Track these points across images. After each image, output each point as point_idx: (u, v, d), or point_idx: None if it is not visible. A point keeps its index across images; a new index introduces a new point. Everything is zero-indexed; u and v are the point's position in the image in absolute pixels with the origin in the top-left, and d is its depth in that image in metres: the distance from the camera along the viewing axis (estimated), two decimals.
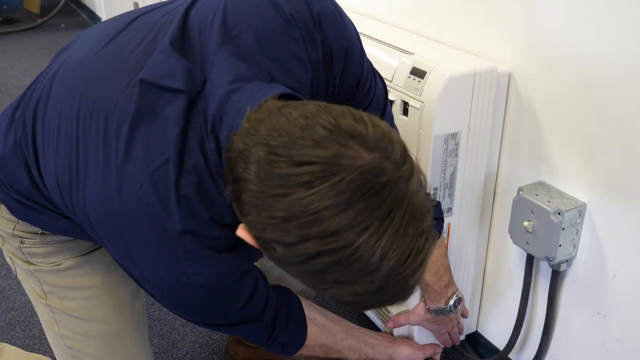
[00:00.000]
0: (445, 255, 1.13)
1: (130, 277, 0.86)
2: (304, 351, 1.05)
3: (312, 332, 1.04)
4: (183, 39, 0.78)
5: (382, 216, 0.58)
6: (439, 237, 1.07)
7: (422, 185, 0.62)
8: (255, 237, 0.65)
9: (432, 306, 1.17)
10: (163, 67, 0.76)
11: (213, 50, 0.76)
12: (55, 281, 1.02)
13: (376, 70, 0.94)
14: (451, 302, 1.16)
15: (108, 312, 1.05)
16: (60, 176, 0.81)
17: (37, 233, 0.98)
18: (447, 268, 1.14)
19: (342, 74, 0.84)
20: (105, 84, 0.80)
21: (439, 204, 1.08)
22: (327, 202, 0.58)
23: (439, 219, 1.07)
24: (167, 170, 0.73)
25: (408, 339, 1.26)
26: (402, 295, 0.64)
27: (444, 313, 1.17)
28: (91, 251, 1.02)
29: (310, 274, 0.63)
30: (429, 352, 1.25)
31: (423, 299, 1.19)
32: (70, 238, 0.99)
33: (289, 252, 0.62)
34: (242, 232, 0.68)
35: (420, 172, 0.63)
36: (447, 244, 1.18)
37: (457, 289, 1.17)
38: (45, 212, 0.92)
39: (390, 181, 0.59)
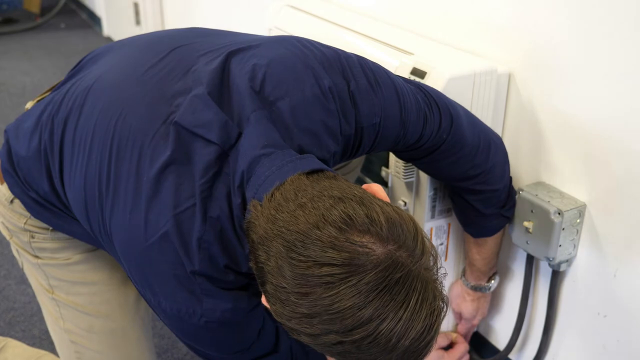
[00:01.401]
0: (499, 244, 1.16)
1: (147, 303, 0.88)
2: None
3: None
4: (222, 90, 0.80)
5: (397, 306, 0.63)
6: (501, 231, 1.12)
7: (434, 260, 0.67)
8: (279, 321, 0.70)
9: (473, 282, 1.22)
10: (199, 117, 0.78)
11: (250, 110, 0.78)
12: (63, 276, 1.03)
13: (429, 101, 0.91)
14: (492, 282, 1.22)
15: (114, 308, 1.06)
16: (89, 195, 0.83)
17: (48, 229, 1.00)
18: (496, 255, 1.19)
19: (373, 145, 0.86)
20: (142, 116, 0.82)
21: (508, 202, 1.08)
22: (347, 302, 0.63)
23: (506, 217, 1.10)
24: (193, 214, 0.76)
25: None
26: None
27: (482, 290, 1.22)
28: (96, 248, 1.03)
29: (332, 354, 0.68)
30: (458, 354, 1.26)
31: (463, 277, 1.23)
32: None
33: (312, 339, 0.67)
34: (267, 304, 0.72)
35: (431, 247, 0.68)
36: (447, 244, 1.18)
37: (497, 270, 1.23)
38: (61, 215, 0.94)
39: (403, 273, 0.64)
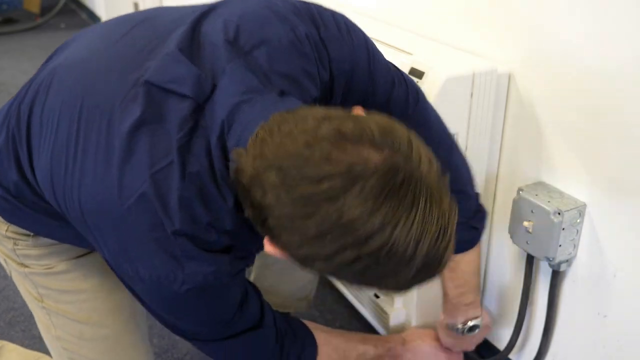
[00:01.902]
0: (475, 272, 1.09)
1: (123, 283, 0.85)
2: None
3: (320, 337, 1.03)
4: (192, 46, 0.78)
5: (407, 209, 0.61)
6: (475, 254, 1.06)
7: (432, 163, 0.65)
8: (290, 255, 0.67)
9: (447, 320, 1.14)
10: (171, 71, 0.76)
11: (224, 61, 0.76)
12: (51, 284, 1.01)
13: (399, 75, 0.92)
14: (467, 325, 1.12)
15: (105, 315, 1.03)
16: (55, 170, 0.80)
17: (29, 235, 0.97)
18: (473, 286, 1.10)
19: (344, 97, 0.85)
20: (110, 82, 0.79)
21: (478, 213, 1.03)
22: (355, 212, 0.60)
23: (476, 229, 1.04)
24: (171, 172, 0.73)
25: (424, 331, 1.22)
26: (439, 270, 0.67)
27: (455, 331, 1.14)
28: (85, 254, 1.01)
29: (352, 277, 0.66)
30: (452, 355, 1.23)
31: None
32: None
33: (328, 264, 0.64)
34: (272, 248, 0.69)
35: (425, 149, 0.66)
36: None
37: (481, 314, 1.13)
38: (35, 215, 0.91)
39: (405, 175, 0.61)
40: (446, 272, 1.03)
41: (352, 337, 1.12)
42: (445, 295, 1.12)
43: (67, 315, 1.02)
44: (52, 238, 0.97)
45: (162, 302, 0.83)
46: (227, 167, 0.73)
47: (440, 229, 0.63)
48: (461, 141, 1.09)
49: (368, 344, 1.12)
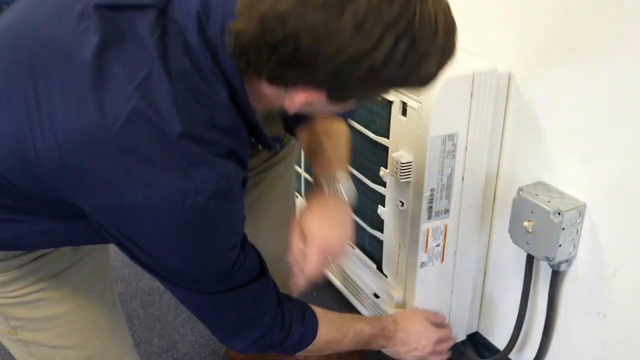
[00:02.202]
0: (346, 145, 1.07)
1: (121, 244, 0.78)
2: (317, 346, 1.03)
3: (318, 310, 1.04)
4: None
5: None
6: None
7: None
8: (329, 76, 0.67)
9: (321, 174, 1.03)
10: None
11: None
12: (23, 314, 0.93)
13: None
14: (338, 183, 1.02)
15: (86, 335, 0.99)
16: (20, 132, 0.73)
17: None
18: (345, 154, 1.06)
19: None
20: (54, 25, 0.74)
21: None
22: None
23: None
24: (156, 80, 0.70)
25: (414, 311, 1.22)
26: (454, 46, 0.74)
27: (328, 187, 1.01)
28: (55, 274, 0.94)
29: (393, 69, 0.67)
30: (444, 334, 1.22)
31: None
32: (30, 259, 0.90)
33: (371, 58, 0.66)
34: (305, 95, 0.71)
35: None
36: (444, 246, 1.18)
37: (349, 181, 1.03)
38: (14, 216, 0.83)
39: None
40: (324, 131, 1.05)
41: (346, 315, 1.13)
42: (323, 151, 1.05)
43: (47, 343, 0.96)
44: (28, 242, 0.88)
45: (170, 233, 0.75)
46: (214, 60, 0.72)
47: (445, 5, 0.71)
48: (461, 141, 1.09)
49: (363, 322, 1.13)
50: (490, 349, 1.33)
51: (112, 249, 0.96)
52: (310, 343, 1.01)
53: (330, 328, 1.05)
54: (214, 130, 0.73)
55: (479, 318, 1.35)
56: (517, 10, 1.07)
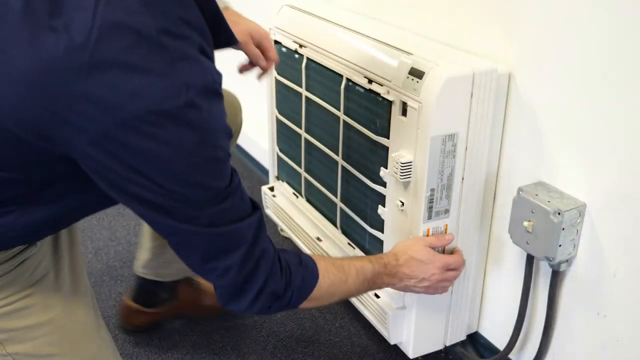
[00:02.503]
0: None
1: (123, 164, 0.73)
2: (322, 289, 0.98)
3: (321, 285, 0.98)
4: None
5: None
6: None
7: None
8: None
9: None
10: None
11: None
12: (12, 325, 0.91)
13: None
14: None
15: (76, 341, 0.98)
16: None
17: None
18: None
19: None
20: None
21: None
22: None
23: None
24: None
25: (413, 241, 1.15)
26: None
27: None
28: (37, 280, 0.93)
29: None
30: (450, 260, 1.15)
31: None
32: (11, 267, 0.89)
33: None
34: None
35: None
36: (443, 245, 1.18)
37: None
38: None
39: None
40: None
41: (343, 257, 1.12)
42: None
43: (38, 352, 0.94)
44: (20, 235, 0.86)
45: (171, 140, 0.72)
46: None
47: None
48: (461, 141, 1.09)
49: (363, 260, 1.09)
50: (490, 349, 1.33)
51: (86, 252, 0.94)
52: (314, 285, 0.96)
53: (330, 267, 1.01)
54: (185, 26, 0.72)
55: (479, 318, 1.35)
56: (517, 10, 1.07)
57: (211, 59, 0.77)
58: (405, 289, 1.14)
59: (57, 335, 0.95)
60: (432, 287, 1.13)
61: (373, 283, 1.08)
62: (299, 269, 0.96)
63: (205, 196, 0.79)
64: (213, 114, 0.75)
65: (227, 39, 0.86)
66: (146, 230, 1.42)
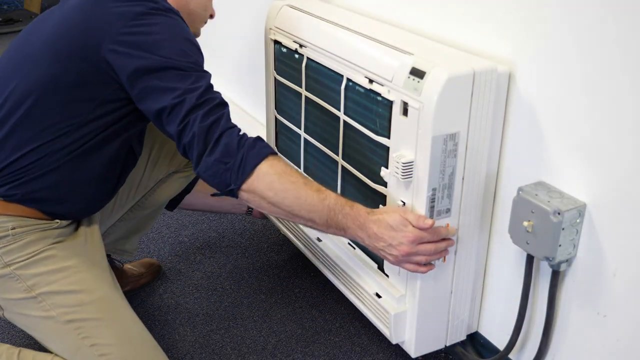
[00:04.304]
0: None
1: (138, 46, 1.09)
2: (275, 173, 1.07)
3: (275, 161, 1.09)
4: None
5: None
6: None
7: None
8: None
9: None
10: None
11: None
12: (38, 270, 1.15)
13: None
14: None
15: (95, 281, 1.19)
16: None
17: (7, 230, 1.14)
18: None
19: None
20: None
21: None
22: None
23: None
24: None
25: (393, 207, 1.15)
26: None
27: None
28: (57, 241, 1.19)
29: None
30: (425, 235, 1.09)
31: None
32: (39, 227, 1.17)
33: None
34: None
35: None
36: None
37: None
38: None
39: None
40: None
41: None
42: None
43: (62, 290, 1.15)
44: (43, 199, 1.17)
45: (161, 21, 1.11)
46: None
47: None
48: (462, 140, 1.09)
49: (333, 193, 1.11)
50: (490, 349, 1.33)
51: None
52: (266, 154, 1.07)
53: (287, 162, 1.16)
54: None
55: (479, 318, 1.35)
56: (517, 10, 1.07)
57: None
58: (375, 250, 1.11)
59: (77, 276, 1.17)
60: (401, 259, 1.09)
61: (334, 214, 1.08)
62: (254, 138, 1.09)
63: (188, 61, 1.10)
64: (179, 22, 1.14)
65: None
66: None
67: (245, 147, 1.06)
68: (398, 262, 1.11)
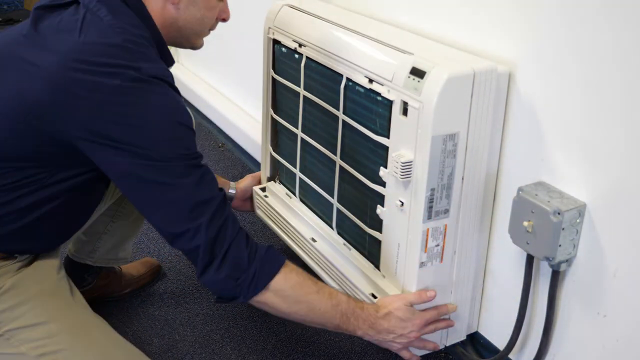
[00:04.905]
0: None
1: (109, 138, 0.96)
2: (289, 283, 1.06)
3: (288, 273, 1.07)
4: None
5: None
6: None
7: None
8: None
9: None
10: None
11: None
12: (2, 307, 1.07)
13: None
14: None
15: (62, 309, 1.11)
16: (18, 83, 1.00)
17: None
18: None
19: None
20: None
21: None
22: None
23: None
24: (92, 23, 0.99)
25: (396, 297, 1.18)
26: None
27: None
28: (19, 273, 1.11)
29: None
30: (430, 316, 1.17)
31: None
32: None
33: None
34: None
35: None
36: (443, 246, 1.18)
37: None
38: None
39: None
40: None
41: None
42: None
43: (28, 324, 1.07)
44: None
45: (139, 103, 0.97)
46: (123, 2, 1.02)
47: None
48: (461, 141, 1.09)
49: (340, 293, 1.14)
50: (490, 349, 1.33)
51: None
52: (278, 269, 1.04)
53: (301, 270, 1.08)
54: (147, 44, 1.03)
55: (479, 318, 1.35)
56: (517, 10, 1.07)
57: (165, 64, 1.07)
58: (382, 342, 1.17)
59: (41, 307, 1.09)
60: (410, 344, 1.17)
61: (346, 318, 1.11)
62: (265, 248, 1.06)
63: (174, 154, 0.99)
64: (168, 95, 1.00)
65: (169, 60, 1.13)
66: None
67: (256, 262, 1.03)
68: (406, 346, 1.17)
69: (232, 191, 1.61)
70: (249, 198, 1.66)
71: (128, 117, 0.96)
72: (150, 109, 0.97)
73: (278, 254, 1.07)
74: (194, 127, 1.06)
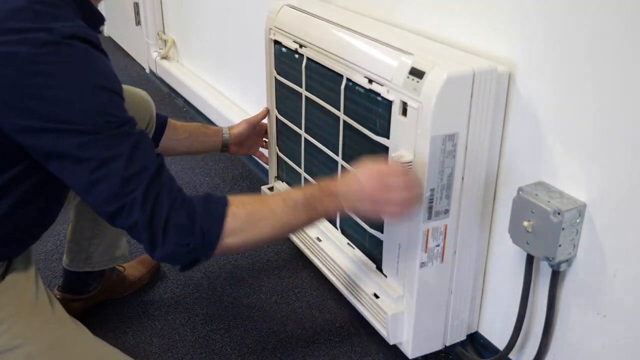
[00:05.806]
0: None
1: (30, 113, 0.87)
2: (240, 219, 0.97)
3: (235, 211, 0.97)
4: None
5: None
6: None
7: None
8: None
9: None
10: None
11: None
12: None
13: None
14: None
15: (37, 329, 1.03)
16: None
17: None
18: None
19: None
20: None
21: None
22: None
23: None
24: None
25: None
26: None
27: None
28: None
29: None
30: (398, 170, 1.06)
31: None
32: None
33: None
34: None
35: None
36: (443, 246, 1.18)
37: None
38: None
39: None
40: None
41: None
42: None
43: (6, 347, 1.00)
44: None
45: (61, 67, 0.87)
46: None
47: None
48: (461, 141, 1.09)
49: (295, 190, 1.07)
50: (490, 349, 1.33)
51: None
52: (223, 212, 0.96)
53: (246, 198, 1.00)
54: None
55: (479, 318, 1.35)
56: (517, 10, 1.07)
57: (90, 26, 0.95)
58: (355, 210, 1.07)
59: (17, 327, 1.01)
60: (379, 205, 1.04)
61: (312, 208, 1.02)
62: (202, 198, 0.97)
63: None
64: (90, 55, 0.90)
65: (96, 18, 1.05)
66: (70, 229, 1.50)
67: (199, 219, 0.95)
68: (379, 210, 1.06)
69: (226, 136, 1.58)
70: (244, 142, 1.63)
71: (43, 88, 0.86)
72: (67, 76, 0.87)
73: (217, 198, 0.98)
74: (121, 92, 0.95)
